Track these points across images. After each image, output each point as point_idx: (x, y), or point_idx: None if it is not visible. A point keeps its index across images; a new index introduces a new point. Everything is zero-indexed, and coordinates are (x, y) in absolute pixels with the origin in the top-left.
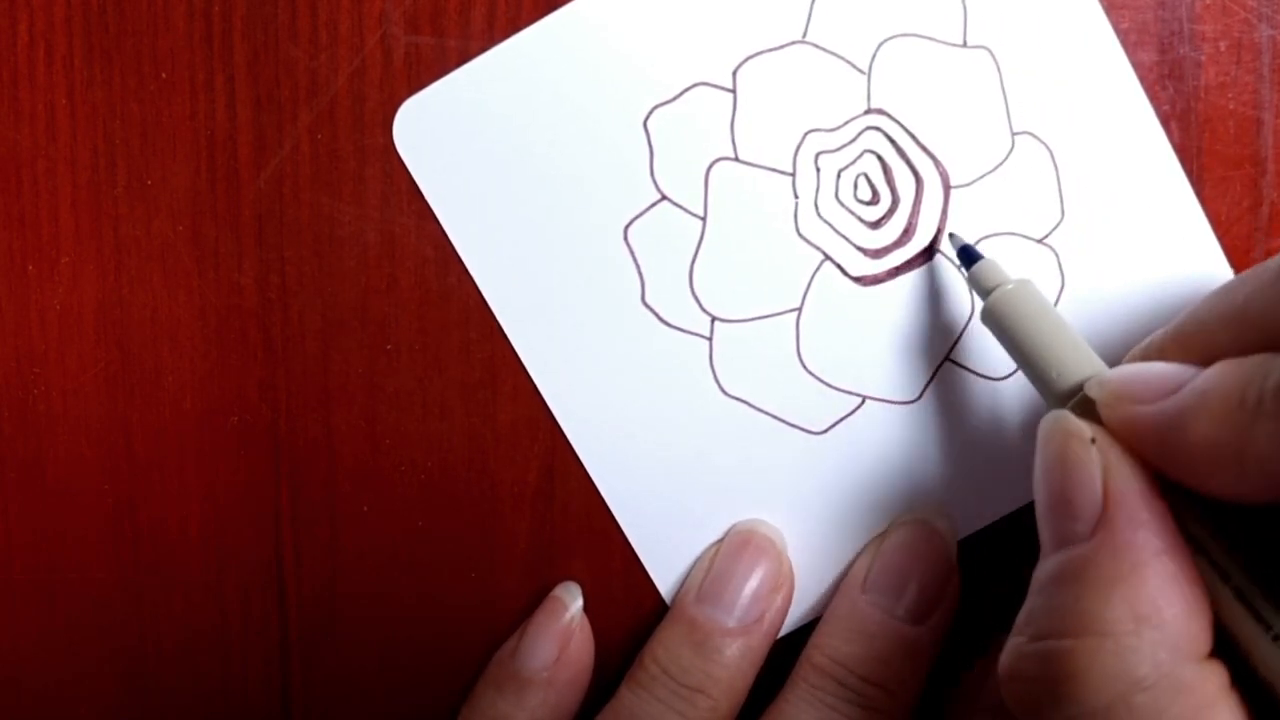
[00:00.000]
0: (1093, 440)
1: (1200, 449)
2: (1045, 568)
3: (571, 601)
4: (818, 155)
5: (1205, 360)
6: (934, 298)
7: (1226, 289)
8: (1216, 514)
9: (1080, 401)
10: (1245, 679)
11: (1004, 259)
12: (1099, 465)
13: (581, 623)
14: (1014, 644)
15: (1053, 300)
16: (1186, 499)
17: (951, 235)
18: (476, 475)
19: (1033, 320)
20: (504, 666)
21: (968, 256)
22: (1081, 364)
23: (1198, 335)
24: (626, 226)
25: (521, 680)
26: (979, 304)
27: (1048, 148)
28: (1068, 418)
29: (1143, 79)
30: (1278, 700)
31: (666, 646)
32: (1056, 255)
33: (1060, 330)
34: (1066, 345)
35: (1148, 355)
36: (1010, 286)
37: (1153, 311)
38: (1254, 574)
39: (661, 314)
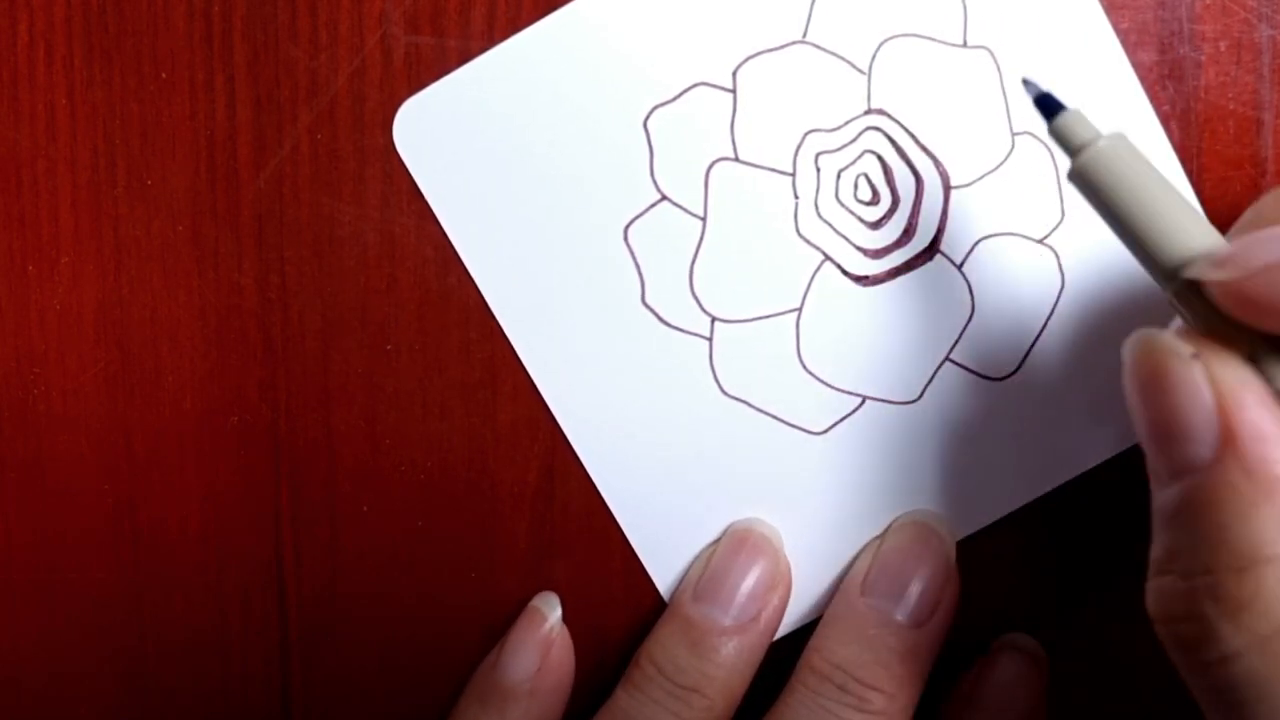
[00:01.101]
0: (1194, 355)
1: None
2: (1170, 497)
3: (550, 611)
4: (818, 155)
5: None
6: (934, 298)
7: None
8: None
9: (1183, 287)
10: None
11: (1003, 259)
12: (1207, 381)
13: (561, 631)
14: (1162, 584)
15: (1052, 300)
16: None
17: (1027, 82)
18: (476, 475)
19: (1132, 183)
20: (486, 679)
21: (1047, 107)
22: (1194, 236)
23: None
24: (626, 226)
25: (504, 692)
26: (1063, 164)
27: (1048, 148)
28: (1158, 335)
29: (1143, 79)
30: None
31: (662, 646)
32: (1056, 255)
33: (1166, 194)
34: (1175, 212)
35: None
36: (1103, 144)
37: (1152, 312)
38: None
39: (661, 314)
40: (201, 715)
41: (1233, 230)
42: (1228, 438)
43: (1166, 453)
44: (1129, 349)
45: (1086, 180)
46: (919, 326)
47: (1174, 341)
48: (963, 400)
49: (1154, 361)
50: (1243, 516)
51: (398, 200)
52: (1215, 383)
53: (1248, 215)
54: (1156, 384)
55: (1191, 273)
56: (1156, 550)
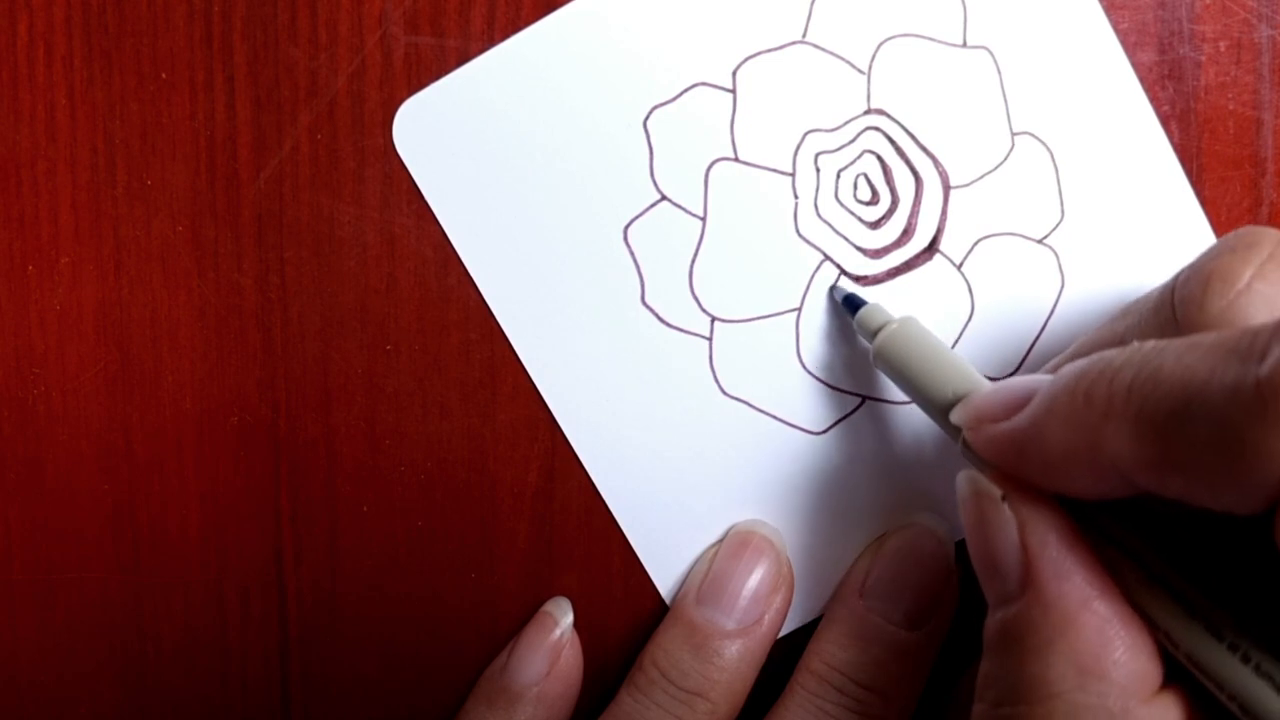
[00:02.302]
0: (1003, 497)
1: (1057, 457)
2: (990, 626)
3: (562, 617)
4: (817, 155)
5: None
6: (934, 298)
7: (1111, 320)
8: (1137, 524)
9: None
10: (1204, 696)
11: (1003, 259)
12: (1014, 522)
13: (571, 638)
14: (978, 710)
15: (1052, 300)
16: (1098, 515)
17: (834, 288)
18: (476, 475)
19: (918, 353)
20: (494, 682)
21: (851, 304)
22: (967, 390)
23: None
24: (626, 226)
25: (512, 695)
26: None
27: (1048, 148)
28: (976, 478)
29: (1143, 79)
30: (1244, 708)
31: (665, 649)
32: (1056, 255)
33: (946, 360)
34: (953, 374)
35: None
36: (894, 325)
37: None
38: (1194, 582)
39: (661, 314)
40: (201, 715)
41: (1056, 359)
42: (1029, 576)
43: (987, 586)
44: (958, 487)
45: (881, 357)
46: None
47: (987, 484)
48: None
49: (973, 502)
50: (1039, 653)
51: (398, 200)
52: (1020, 523)
53: (1071, 347)
54: (976, 522)
55: (954, 418)
56: (979, 675)
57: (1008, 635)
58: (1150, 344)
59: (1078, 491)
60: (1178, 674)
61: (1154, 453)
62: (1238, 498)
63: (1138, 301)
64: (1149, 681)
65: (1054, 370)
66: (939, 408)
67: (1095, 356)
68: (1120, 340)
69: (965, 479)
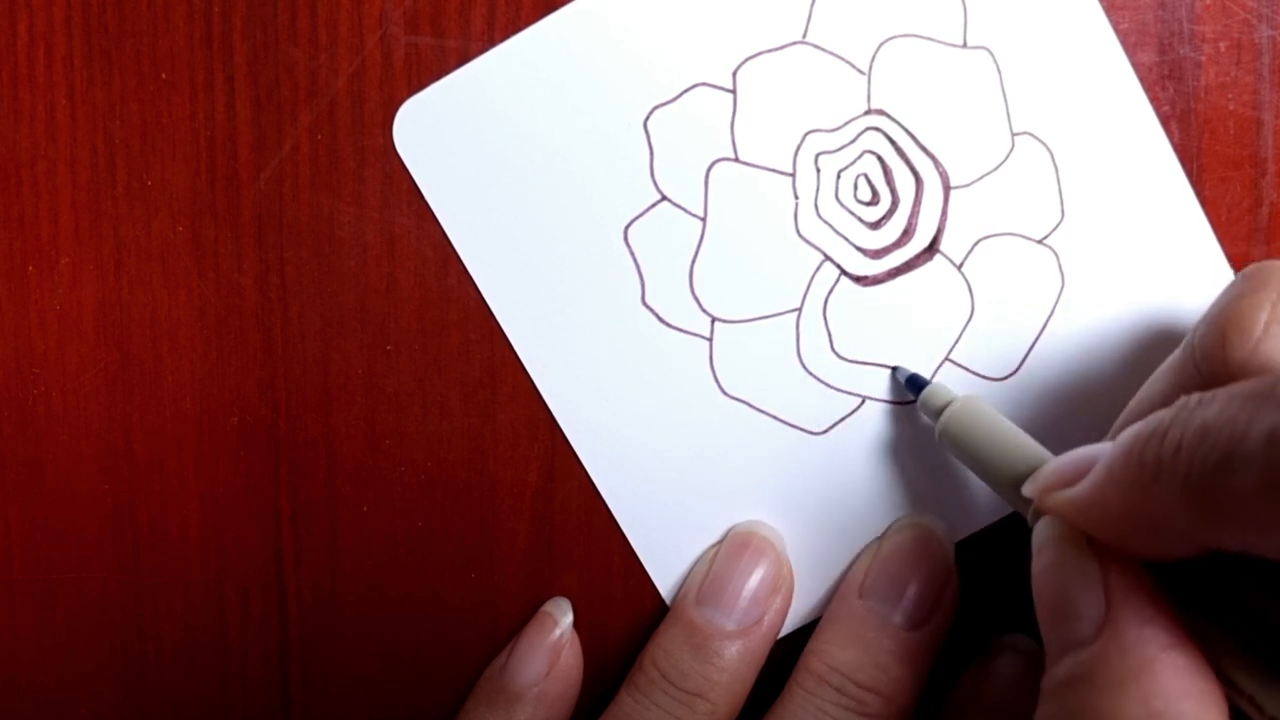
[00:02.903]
0: (1088, 541)
1: (1119, 518)
2: (1055, 673)
3: (562, 617)
4: (818, 156)
5: None
6: (934, 298)
7: (1151, 380)
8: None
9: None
10: None
11: (1003, 259)
12: (1097, 566)
13: (571, 638)
14: None
15: (1052, 300)
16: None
17: (896, 369)
18: (476, 475)
19: (983, 431)
20: (494, 682)
21: (914, 385)
22: (1033, 463)
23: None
24: (626, 227)
25: (511, 695)
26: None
27: (1048, 148)
28: (1060, 525)
29: (1143, 79)
30: None
31: (665, 650)
32: (1056, 255)
33: (1010, 436)
34: (1018, 449)
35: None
36: (958, 404)
37: (1152, 312)
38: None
39: (661, 314)
40: (201, 715)
41: (1115, 424)
42: (1110, 620)
43: (1057, 630)
44: (1035, 535)
45: (947, 434)
46: (919, 326)
47: (1073, 530)
48: None
49: (1054, 547)
50: (1112, 694)
51: (398, 200)
52: (1103, 567)
53: (1125, 410)
54: (1054, 566)
55: (1025, 491)
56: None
57: (1076, 677)
58: (1195, 398)
59: (1144, 551)
60: None
61: (1206, 508)
62: None
63: (1167, 361)
64: None
65: (1113, 436)
66: (1006, 482)
67: (1150, 418)
68: (1160, 400)
69: (1048, 524)
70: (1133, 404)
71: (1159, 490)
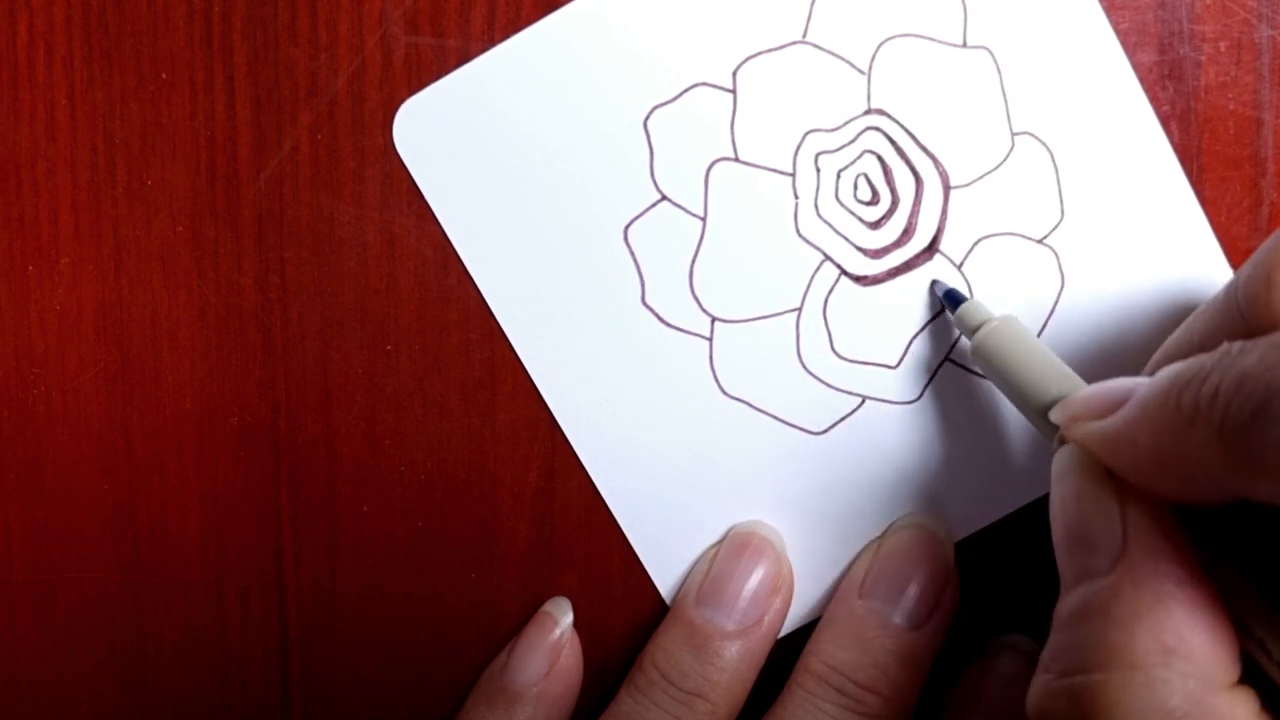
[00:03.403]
0: (1109, 474)
1: (1147, 458)
2: (1068, 603)
3: (562, 617)
4: (818, 155)
5: None
6: (934, 298)
7: (1189, 321)
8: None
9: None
10: (1276, 704)
11: (1003, 259)
12: (1116, 498)
13: (571, 638)
14: (1041, 681)
15: (1052, 300)
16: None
17: (935, 282)
18: (476, 475)
19: (1018, 353)
20: (494, 681)
21: (952, 299)
22: (1065, 391)
23: (1175, 353)
24: (626, 227)
25: (511, 695)
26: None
27: (1048, 148)
28: (1082, 453)
29: (1143, 79)
30: None
31: (665, 650)
32: (1056, 255)
33: (1044, 360)
34: (1051, 374)
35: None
36: (995, 323)
37: (1152, 312)
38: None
39: (661, 314)
40: (201, 715)
41: (1152, 359)
42: (1125, 552)
43: (1073, 560)
44: (1055, 463)
45: (981, 352)
46: (919, 326)
47: (1094, 460)
48: (963, 400)
49: (1074, 477)
50: (1125, 625)
51: (398, 200)
52: (1122, 500)
53: (1160, 349)
54: (1073, 496)
55: (1053, 416)
56: (1044, 652)
57: (1089, 608)
58: (1238, 345)
59: (1171, 494)
60: (1250, 680)
61: (1240, 456)
62: None
63: (1208, 302)
64: (1229, 672)
65: (1150, 372)
66: (1036, 407)
67: (1191, 361)
68: (1199, 341)
69: (1069, 452)
70: (1170, 341)
71: (1194, 435)
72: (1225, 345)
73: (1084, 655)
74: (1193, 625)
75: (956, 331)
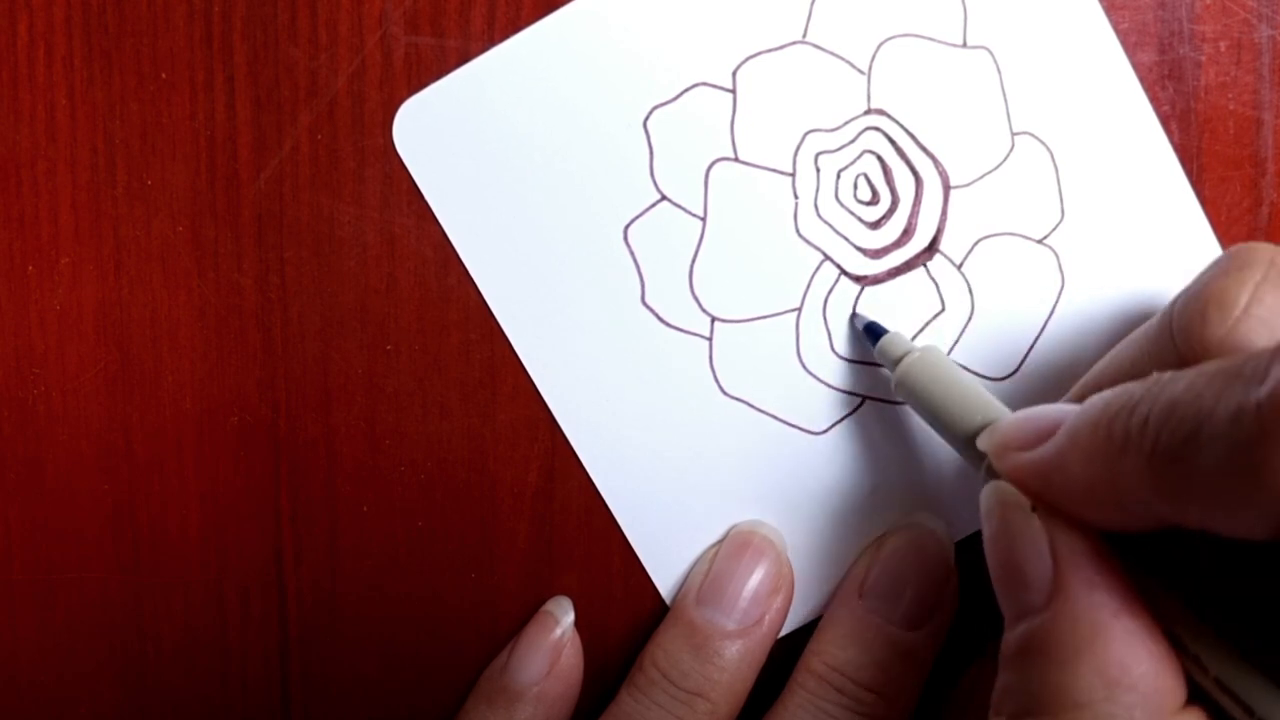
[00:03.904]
0: (1033, 508)
1: (1079, 487)
2: (1009, 641)
3: (563, 616)
4: (818, 155)
5: None
6: (934, 298)
7: (1119, 347)
8: (1168, 562)
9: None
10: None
11: (1003, 259)
12: (1043, 532)
13: (572, 637)
14: None
15: (1052, 300)
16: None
17: (855, 315)
18: (476, 475)
19: (940, 383)
20: (495, 681)
21: (872, 333)
22: (990, 418)
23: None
24: (626, 227)
25: (512, 694)
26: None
27: (1048, 148)
28: (1004, 488)
29: (1143, 79)
30: None
31: (665, 650)
32: (1056, 255)
33: (967, 389)
34: (975, 403)
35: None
36: (916, 355)
37: (1152, 312)
38: (1209, 610)
39: (661, 314)
40: (201, 715)
41: (1076, 387)
42: (1058, 585)
43: (1009, 598)
44: (982, 500)
45: (903, 385)
46: (919, 327)
47: (1016, 494)
48: None
49: (999, 514)
50: (1066, 663)
51: (398, 200)
52: (1050, 533)
53: (1086, 375)
54: (1001, 534)
55: (981, 444)
56: (995, 691)
57: (1030, 647)
58: (1167, 375)
59: (1103, 522)
60: (1198, 698)
61: (1170, 483)
62: (1252, 522)
63: (1141, 329)
64: (1174, 697)
65: (1076, 398)
66: (961, 436)
67: (1120, 389)
68: (1129, 368)
69: (992, 489)
70: (1099, 367)
71: (1125, 463)
72: (1155, 375)
73: (1030, 698)
74: (1134, 654)
75: (959, 329)
